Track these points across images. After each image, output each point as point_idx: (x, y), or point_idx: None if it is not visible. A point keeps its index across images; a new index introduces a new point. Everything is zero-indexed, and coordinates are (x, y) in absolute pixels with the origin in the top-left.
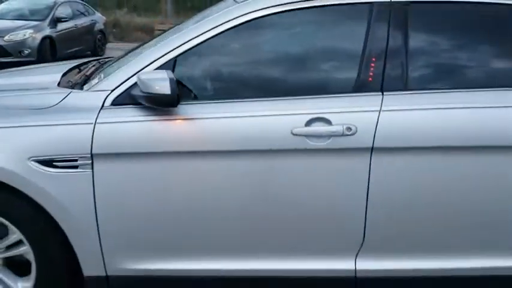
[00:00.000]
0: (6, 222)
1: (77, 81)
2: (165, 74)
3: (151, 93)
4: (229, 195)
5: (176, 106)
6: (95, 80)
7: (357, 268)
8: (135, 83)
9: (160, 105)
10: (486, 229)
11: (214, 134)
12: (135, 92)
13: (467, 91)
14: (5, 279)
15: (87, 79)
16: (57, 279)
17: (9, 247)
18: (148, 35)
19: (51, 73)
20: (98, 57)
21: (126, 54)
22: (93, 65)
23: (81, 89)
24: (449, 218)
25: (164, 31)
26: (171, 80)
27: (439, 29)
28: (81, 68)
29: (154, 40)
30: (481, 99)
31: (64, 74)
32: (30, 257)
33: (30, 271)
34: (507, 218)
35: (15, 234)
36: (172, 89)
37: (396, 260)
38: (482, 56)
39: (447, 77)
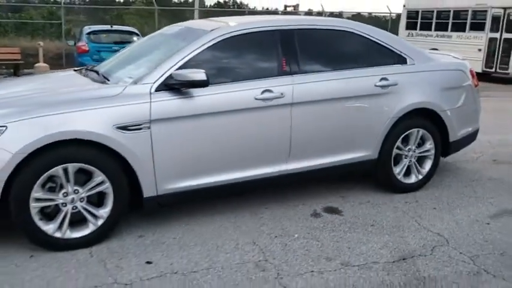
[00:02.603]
0: (94, 169)
1: (102, 80)
2: (195, 70)
3: (189, 80)
4: (228, 134)
5: (208, 86)
6: (127, 79)
7: (288, 168)
8: (167, 77)
9: (196, 86)
10: (345, 140)
11: (218, 101)
12: (170, 81)
13: (329, 71)
14: (92, 209)
15: (105, 79)
16: (125, 204)
17: (91, 188)
18: None
19: (71, 79)
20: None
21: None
22: (90, 71)
23: (105, 83)
24: (328, 135)
25: None
26: (204, 72)
27: (311, 42)
28: (88, 73)
29: (154, 47)
30: (333, 75)
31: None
32: (109, 191)
33: (103, 203)
34: (356, 133)
35: (99, 177)
36: (206, 77)
37: (305, 161)
38: (333, 53)
39: (319, 65)
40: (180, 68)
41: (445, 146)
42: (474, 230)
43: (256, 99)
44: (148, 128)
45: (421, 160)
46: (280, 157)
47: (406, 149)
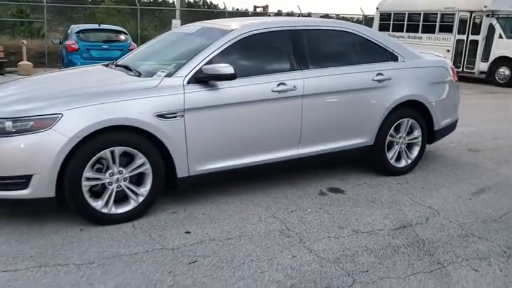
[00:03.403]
0: (136, 152)
1: (136, 74)
2: (225, 64)
3: (220, 74)
4: (249, 122)
5: (236, 79)
6: (160, 72)
7: (299, 152)
8: (197, 71)
9: (225, 79)
10: (347, 128)
11: (240, 93)
12: (200, 75)
13: (332, 66)
14: (133, 188)
15: (139, 73)
16: (162, 183)
17: (134, 169)
18: None
19: (108, 72)
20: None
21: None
22: (117, 65)
23: (139, 76)
24: (332, 124)
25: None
26: (232, 66)
27: (317, 41)
28: (117, 67)
29: (182, 44)
30: (336, 70)
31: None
32: (149, 171)
33: (143, 182)
34: (357, 122)
35: (141, 159)
36: (234, 70)
37: (313, 147)
38: (335, 50)
39: (324, 61)
40: (207, 63)
41: (430, 134)
42: (459, 204)
43: (273, 91)
44: (182, 116)
45: (410, 146)
46: (292, 143)
47: (398, 136)
